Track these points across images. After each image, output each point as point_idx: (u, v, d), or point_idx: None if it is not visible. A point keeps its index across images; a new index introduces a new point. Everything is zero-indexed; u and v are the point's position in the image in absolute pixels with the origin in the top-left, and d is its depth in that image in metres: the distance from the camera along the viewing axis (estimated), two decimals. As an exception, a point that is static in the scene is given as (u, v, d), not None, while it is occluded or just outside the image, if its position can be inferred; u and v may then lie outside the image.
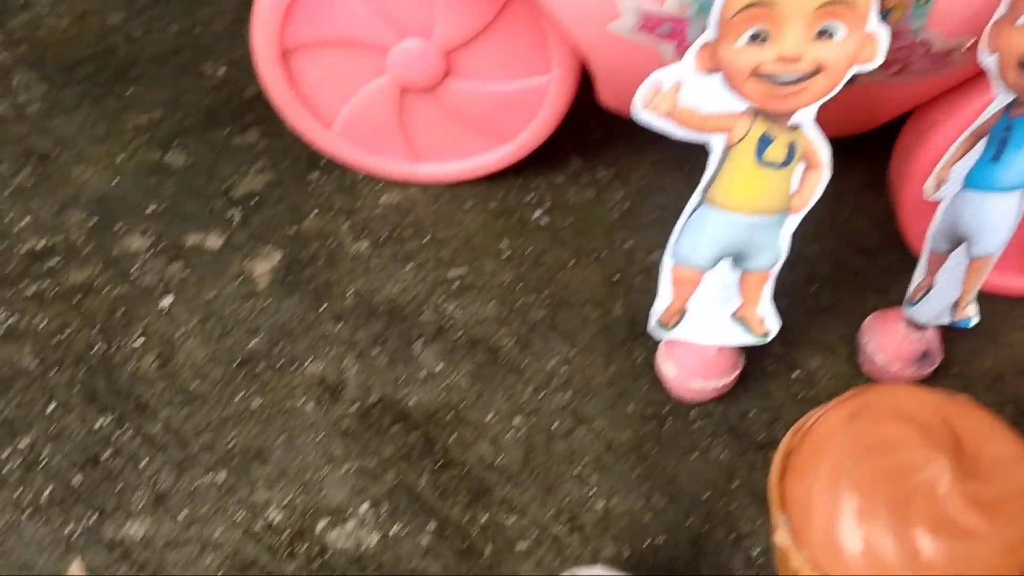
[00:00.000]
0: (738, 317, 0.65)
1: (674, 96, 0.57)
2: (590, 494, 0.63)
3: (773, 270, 0.63)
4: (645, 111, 0.57)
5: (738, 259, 0.62)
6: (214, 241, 0.76)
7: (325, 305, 0.73)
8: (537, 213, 0.80)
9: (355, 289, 0.74)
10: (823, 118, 0.57)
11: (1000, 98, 0.58)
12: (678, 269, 0.63)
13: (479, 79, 0.74)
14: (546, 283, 0.75)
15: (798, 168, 0.59)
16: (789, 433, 0.56)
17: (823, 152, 0.59)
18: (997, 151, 0.60)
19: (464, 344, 0.71)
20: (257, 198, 0.79)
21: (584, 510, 0.62)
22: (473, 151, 0.79)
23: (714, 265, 0.63)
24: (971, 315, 0.66)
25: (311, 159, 0.82)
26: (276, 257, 0.75)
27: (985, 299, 0.72)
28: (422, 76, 0.73)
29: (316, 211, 0.79)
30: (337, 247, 0.76)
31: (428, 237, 0.77)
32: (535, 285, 0.75)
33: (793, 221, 0.61)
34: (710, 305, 0.65)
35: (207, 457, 0.64)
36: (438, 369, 0.69)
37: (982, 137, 0.60)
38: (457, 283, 0.75)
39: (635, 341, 0.71)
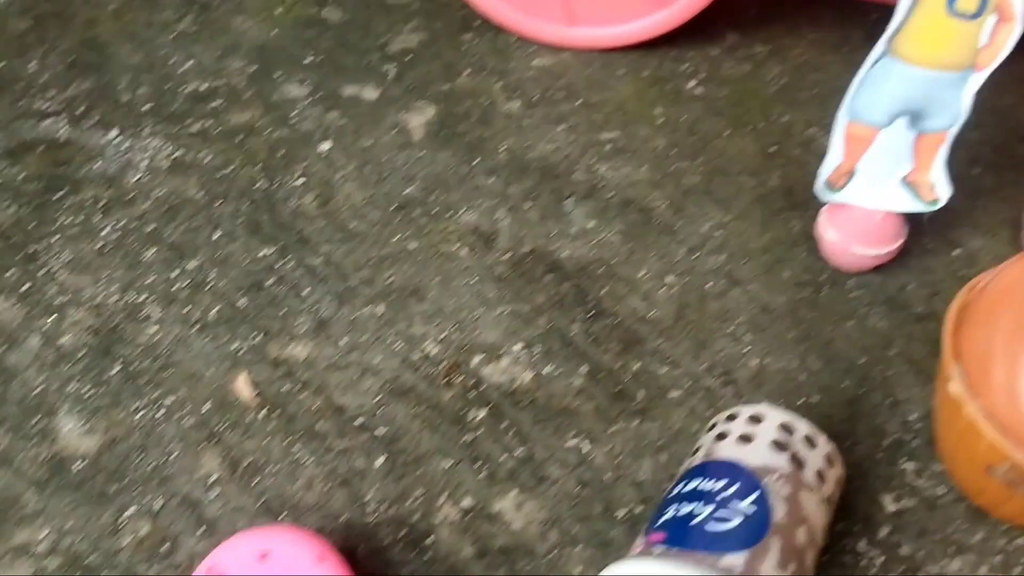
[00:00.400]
0: (909, 182, 0.63)
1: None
2: (744, 351, 0.63)
3: (951, 132, 0.61)
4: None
5: (915, 118, 0.60)
6: (370, 93, 0.77)
7: (478, 159, 0.73)
8: (691, 83, 0.79)
9: (507, 146, 0.74)
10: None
11: None
12: (852, 126, 0.62)
13: (644, -61, 0.73)
14: (700, 151, 0.74)
15: (989, 21, 0.57)
16: (964, 289, 0.54)
17: (1017, 4, 0.56)
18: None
19: (616, 204, 0.70)
20: (411, 55, 0.80)
21: (737, 366, 0.62)
22: (629, 16, 0.78)
23: (890, 123, 0.61)
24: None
25: (464, 20, 0.82)
26: (430, 111, 0.76)
27: None
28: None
29: (469, 70, 0.79)
30: (490, 105, 0.76)
31: (580, 100, 0.77)
32: (689, 152, 0.74)
33: (978, 79, 0.59)
34: (881, 167, 0.63)
35: (366, 291, 0.65)
36: (590, 226, 0.69)
37: None
38: (609, 146, 0.74)
39: (792, 211, 0.69)
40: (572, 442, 0.59)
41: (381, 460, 0.58)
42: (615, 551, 0.55)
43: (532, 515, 0.56)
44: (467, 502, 0.56)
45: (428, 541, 0.55)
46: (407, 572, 0.54)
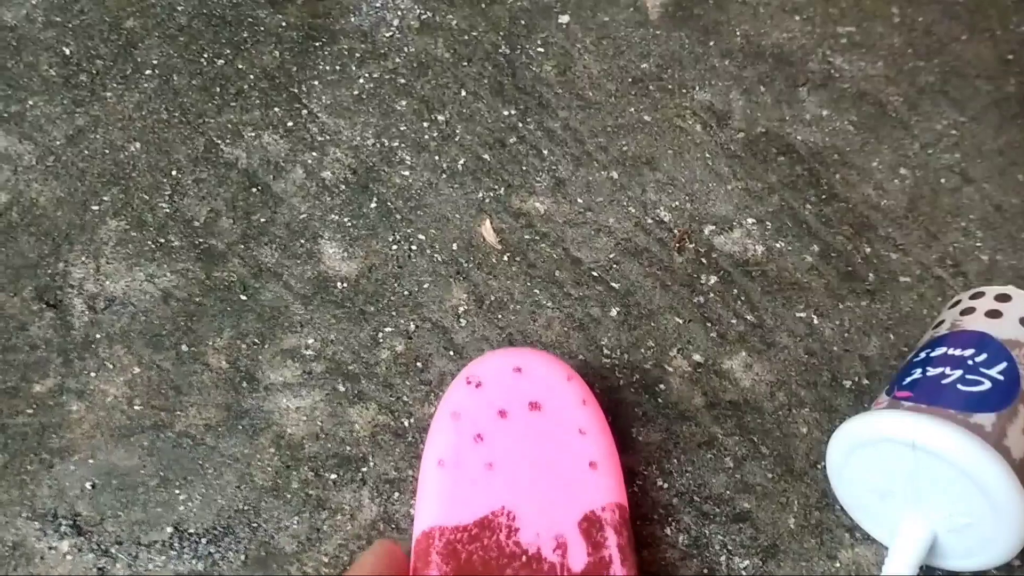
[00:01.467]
0: None
1: None
2: (976, 245, 0.63)
3: None
4: None
5: None
6: (608, -29, 0.79)
7: (713, 42, 0.74)
8: (931, -15, 0.78)
9: (742, 31, 0.75)
10: None
11: None
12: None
13: None
14: (937, 52, 0.74)
15: None
16: None
17: None
18: None
19: (851, 95, 0.71)
20: (649, -62, 0.81)
21: (968, 259, 0.63)
22: (876, -87, 0.77)
23: None
24: None
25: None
26: (668, -8, 0.77)
27: None
28: None
29: (706, -44, 0.79)
30: (726, -9, 0.77)
31: (818, -6, 0.77)
32: (925, 52, 0.73)
33: None
34: None
35: (602, 156, 0.68)
36: (824, 114, 0.70)
37: None
38: (845, 39, 0.74)
39: (1032, 116, 0.69)
40: (802, 314, 0.61)
41: (616, 311, 0.61)
42: (841, 416, 0.57)
43: (761, 376, 0.58)
44: (698, 357, 0.59)
45: (660, 387, 0.58)
46: (639, 411, 0.57)
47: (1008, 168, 0.67)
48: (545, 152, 0.68)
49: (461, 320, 0.61)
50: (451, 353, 0.60)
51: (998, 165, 0.67)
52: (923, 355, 0.51)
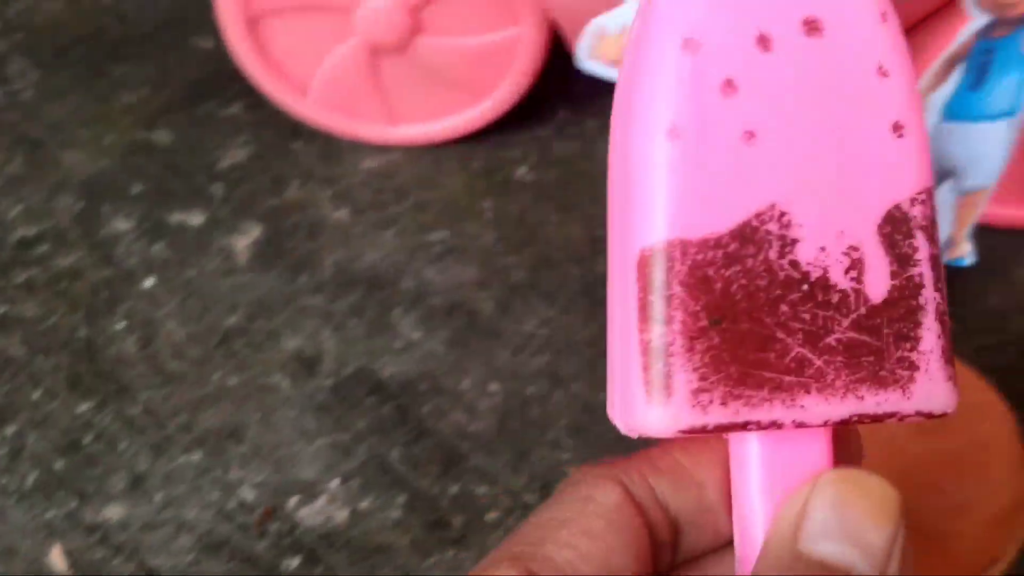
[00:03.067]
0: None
1: (621, 42, 0.54)
2: (564, 457, 0.62)
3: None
4: (590, 61, 0.54)
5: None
6: (197, 218, 0.76)
7: (304, 277, 0.72)
8: (522, 170, 0.78)
9: (334, 259, 0.73)
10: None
11: (974, 20, 0.53)
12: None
13: (448, 35, 0.72)
14: (529, 242, 0.73)
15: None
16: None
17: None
18: (976, 78, 0.56)
19: (443, 310, 0.70)
20: (240, 171, 0.79)
21: (556, 474, 0.61)
22: (452, 109, 0.77)
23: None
24: (966, 253, 0.62)
25: (294, 128, 0.81)
26: (256, 231, 0.75)
27: (991, 233, 0.68)
28: (391, 35, 0.71)
29: (298, 181, 0.78)
30: (318, 217, 0.76)
31: (410, 201, 0.76)
32: (517, 245, 0.73)
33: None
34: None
35: (184, 437, 0.65)
36: (416, 337, 0.68)
37: (959, 63, 0.55)
38: (438, 247, 0.73)
39: (617, 298, 0.68)
40: (386, 581, 0.58)
41: (194, 622, 0.57)
42: None
43: (342, 668, 0.55)
44: (278, 660, 0.56)
45: None
46: None
47: (597, 360, 0.66)
48: (122, 446, 0.65)
49: (20, 678, 0.56)
50: None
51: (587, 358, 0.66)
52: None
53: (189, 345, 0.69)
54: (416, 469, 0.62)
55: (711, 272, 0.28)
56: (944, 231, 0.61)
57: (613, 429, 0.62)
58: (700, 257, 0.28)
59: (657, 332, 0.27)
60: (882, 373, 0.29)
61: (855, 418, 0.28)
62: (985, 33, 0.54)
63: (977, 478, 0.47)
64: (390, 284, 0.71)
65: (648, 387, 0.27)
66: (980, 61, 0.55)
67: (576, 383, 0.65)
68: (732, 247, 0.28)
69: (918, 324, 0.29)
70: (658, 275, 0.28)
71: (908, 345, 0.29)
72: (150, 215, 0.77)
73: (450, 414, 0.64)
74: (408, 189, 0.77)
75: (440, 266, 0.72)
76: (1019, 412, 0.61)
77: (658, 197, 0.28)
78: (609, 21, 0.53)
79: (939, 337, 0.30)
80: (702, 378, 0.27)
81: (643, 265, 0.28)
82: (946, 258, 0.63)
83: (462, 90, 0.75)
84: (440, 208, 0.75)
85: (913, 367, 0.29)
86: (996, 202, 0.67)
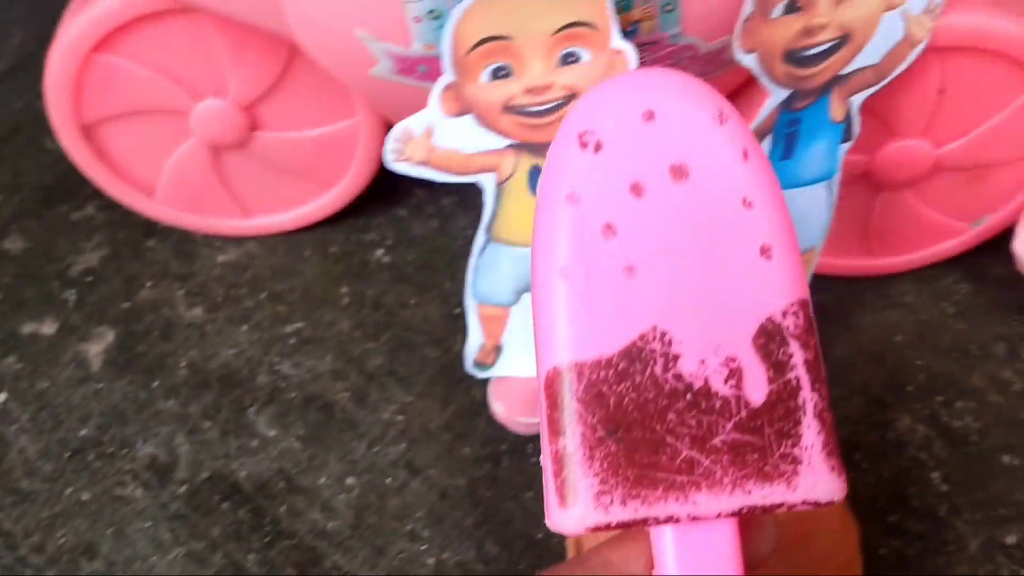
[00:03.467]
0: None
1: (428, 142, 0.55)
2: (422, 549, 0.62)
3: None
4: (397, 163, 0.55)
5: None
6: (49, 327, 0.75)
7: (158, 381, 0.71)
8: (379, 252, 0.78)
9: (188, 359, 0.72)
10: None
11: (773, 95, 0.55)
12: (482, 308, 0.61)
13: (286, 129, 0.72)
14: (386, 326, 0.73)
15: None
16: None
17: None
18: (785, 148, 0.58)
19: (298, 405, 0.69)
20: (93, 275, 0.78)
21: (415, 568, 0.61)
22: (303, 198, 0.77)
23: (518, 299, 0.61)
24: None
25: (148, 226, 0.80)
26: (109, 336, 0.74)
27: (832, 284, 0.70)
28: (229, 134, 0.71)
29: (151, 281, 0.77)
30: (171, 317, 0.75)
31: (265, 293, 0.76)
32: (374, 330, 0.73)
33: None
34: (527, 336, 0.63)
35: (37, 559, 0.63)
36: (271, 435, 0.68)
37: (765, 136, 0.57)
38: (294, 338, 0.73)
39: (474, 377, 0.69)
40: None
41: None
42: None
43: None
44: None
45: None
46: None
47: (454, 444, 0.66)
48: (-30, 576, 0.63)
49: None
50: None
51: (444, 443, 0.66)
52: None
53: (41, 461, 0.68)
54: (272, 573, 0.61)
55: (604, 389, 0.32)
56: None
57: (470, 516, 0.62)
58: (594, 376, 0.32)
59: (562, 443, 0.32)
60: (767, 468, 0.32)
61: (745, 510, 0.32)
62: (787, 105, 0.56)
63: (800, 553, 0.47)
64: (245, 381, 0.71)
65: (559, 491, 0.32)
66: (786, 132, 0.57)
67: (434, 469, 0.65)
68: (622, 365, 0.32)
69: (798, 422, 0.33)
70: (560, 393, 0.33)
71: (790, 442, 0.33)
72: (2, 327, 0.75)
73: (307, 513, 0.64)
74: (264, 281, 0.76)
75: (296, 359, 0.72)
76: (870, 463, 0.63)
77: (558, 326, 0.33)
78: (414, 123, 0.54)
79: (819, 433, 0.33)
80: (602, 482, 0.32)
81: (549, 384, 0.33)
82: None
83: (309, 180, 0.75)
84: (296, 298, 0.75)
85: (796, 461, 0.33)
86: (834, 253, 0.69)
